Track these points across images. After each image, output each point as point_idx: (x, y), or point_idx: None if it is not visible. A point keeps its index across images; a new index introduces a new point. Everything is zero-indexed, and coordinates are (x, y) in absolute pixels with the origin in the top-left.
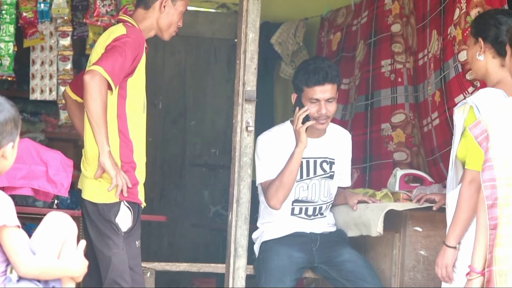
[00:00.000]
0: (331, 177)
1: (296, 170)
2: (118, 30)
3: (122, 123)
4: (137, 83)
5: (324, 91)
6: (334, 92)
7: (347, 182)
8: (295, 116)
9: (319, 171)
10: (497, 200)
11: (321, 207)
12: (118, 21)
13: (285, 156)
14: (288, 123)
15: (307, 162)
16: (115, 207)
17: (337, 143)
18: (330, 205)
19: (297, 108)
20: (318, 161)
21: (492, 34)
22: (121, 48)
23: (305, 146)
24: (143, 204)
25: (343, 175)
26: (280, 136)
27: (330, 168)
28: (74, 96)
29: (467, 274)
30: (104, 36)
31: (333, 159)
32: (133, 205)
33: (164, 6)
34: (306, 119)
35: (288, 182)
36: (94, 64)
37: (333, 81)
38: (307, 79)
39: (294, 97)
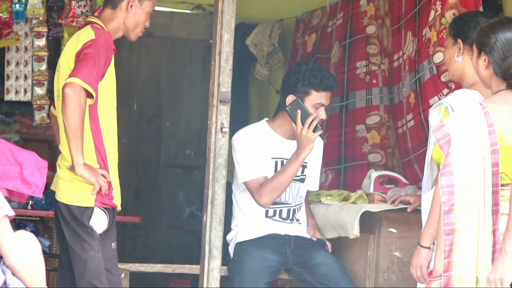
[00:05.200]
0: (302, 180)
1: (295, 173)
2: (86, 34)
3: (96, 127)
4: (108, 85)
5: (328, 97)
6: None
7: (315, 187)
8: (306, 122)
9: None
10: (453, 206)
11: (295, 209)
12: (86, 23)
13: (263, 155)
14: (264, 122)
15: (282, 163)
16: (88, 210)
17: None
18: (302, 208)
19: (299, 112)
20: None
21: (472, 35)
22: (94, 54)
23: (310, 152)
24: (119, 208)
25: (312, 180)
26: (256, 134)
27: (302, 171)
28: (57, 114)
29: (429, 275)
30: (73, 41)
31: (306, 163)
32: (109, 209)
33: (131, 6)
34: (316, 128)
35: (286, 184)
36: (71, 75)
37: (336, 88)
38: (319, 83)
39: (290, 98)
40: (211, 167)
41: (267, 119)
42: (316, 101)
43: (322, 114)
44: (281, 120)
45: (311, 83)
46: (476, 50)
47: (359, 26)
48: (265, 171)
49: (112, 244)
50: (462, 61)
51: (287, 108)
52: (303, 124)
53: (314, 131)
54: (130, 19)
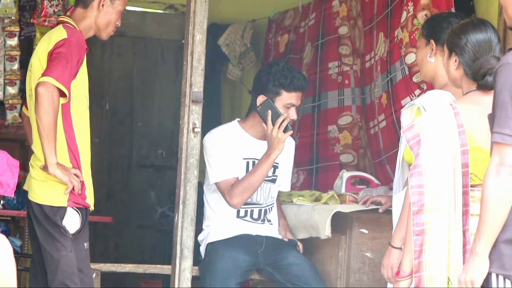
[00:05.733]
0: (274, 181)
1: (266, 174)
2: (58, 33)
3: (68, 126)
4: (80, 85)
5: (300, 98)
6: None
7: (287, 187)
8: (276, 122)
9: None
10: (423, 207)
11: (266, 209)
12: (58, 22)
13: (234, 155)
14: (235, 122)
15: (253, 163)
16: (61, 210)
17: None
18: (274, 208)
19: (270, 112)
20: None
21: (444, 36)
22: (66, 54)
23: (280, 152)
24: (92, 208)
25: (283, 180)
26: (228, 134)
27: (274, 172)
28: (29, 114)
29: (396, 274)
30: (45, 40)
31: (277, 164)
32: (81, 209)
33: (103, 5)
34: (287, 128)
35: (257, 185)
36: (44, 75)
37: (307, 89)
38: (290, 83)
39: (261, 99)
40: (183, 167)
41: (238, 119)
42: (287, 101)
43: (293, 115)
44: (252, 121)
45: (281, 83)
46: (447, 51)
47: (331, 26)
48: (236, 172)
49: (85, 244)
50: (435, 62)
51: (257, 109)
52: (273, 124)
53: (284, 131)
54: (102, 18)
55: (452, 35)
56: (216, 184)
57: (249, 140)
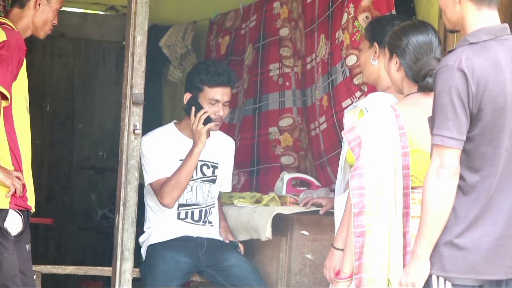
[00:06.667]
0: (213, 181)
1: (193, 170)
2: None
3: (10, 128)
4: (20, 87)
5: (225, 93)
6: (231, 95)
7: (227, 188)
8: (196, 116)
9: (199, 174)
10: (364, 208)
11: (206, 210)
12: None
13: (170, 157)
14: (171, 124)
15: None
16: (2, 212)
17: (221, 148)
18: (215, 209)
19: (193, 108)
20: (199, 164)
21: (387, 39)
22: (6, 56)
23: (203, 146)
24: (33, 210)
25: (224, 181)
26: (164, 136)
27: (213, 172)
28: None
29: (336, 275)
30: None
31: (216, 164)
32: (23, 211)
33: (39, 4)
34: (208, 120)
35: (185, 182)
36: None
37: (233, 84)
38: (211, 79)
39: (187, 96)
40: (124, 168)
41: (175, 121)
42: (210, 97)
43: (219, 111)
44: (186, 121)
45: (202, 79)
46: (388, 53)
47: (272, 28)
48: (170, 172)
49: (27, 246)
50: (378, 64)
51: (184, 107)
52: None
53: (205, 124)
54: (39, 17)
55: (393, 36)
56: (150, 185)
57: (184, 141)
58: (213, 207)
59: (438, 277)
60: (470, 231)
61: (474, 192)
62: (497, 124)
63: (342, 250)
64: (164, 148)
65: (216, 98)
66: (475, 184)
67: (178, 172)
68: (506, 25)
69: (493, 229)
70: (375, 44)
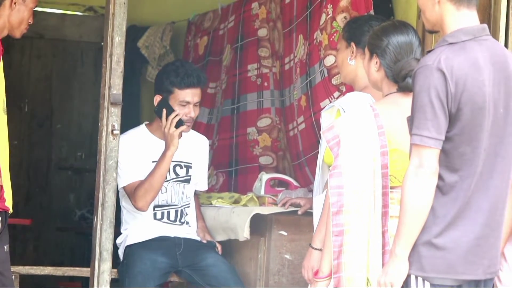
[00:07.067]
0: (187, 181)
1: (166, 173)
2: None
3: None
4: None
5: (195, 94)
6: (201, 95)
7: (204, 187)
8: (168, 119)
9: (172, 174)
10: (343, 207)
11: (182, 210)
12: None
13: (142, 159)
14: (143, 126)
15: None
16: None
17: (194, 147)
18: (191, 209)
19: (164, 110)
20: (172, 164)
21: (365, 39)
22: None
23: (176, 149)
24: (10, 211)
25: (199, 179)
26: (135, 139)
27: (187, 172)
28: None
29: (315, 275)
30: None
31: (190, 163)
32: (1, 212)
33: (15, 3)
34: (180, 123)
35: (158, 185)
36: None
37: (203, 85)
38: (180, 81)
39: (157, 98)
40: (102, 169)
41: (147, 122)
42: (181, 99)
43: (190, 112)
44: (157, 123)
45: (172, 81)
46: (368, 53)
47: (251, 29)
48: (143, 175)
49: (5, 247)
50: (355, 64)
51: (155, 109)
52: None
53: (177, 126)
54: (15, 17)
55: (374, 37)
56: (124, 188)
57: (156, 143)
58: (188, 207)
59: (416, 277)
60: (449, 231)
61: (453, 192)
62: (476, 124)
63: (320, 250)
64: (136, 151)
65: (186, 100)
66: (454, 184)
67: (151, 176)
68: (485, 25)
69: (472, 229)
70: (352, 44)
